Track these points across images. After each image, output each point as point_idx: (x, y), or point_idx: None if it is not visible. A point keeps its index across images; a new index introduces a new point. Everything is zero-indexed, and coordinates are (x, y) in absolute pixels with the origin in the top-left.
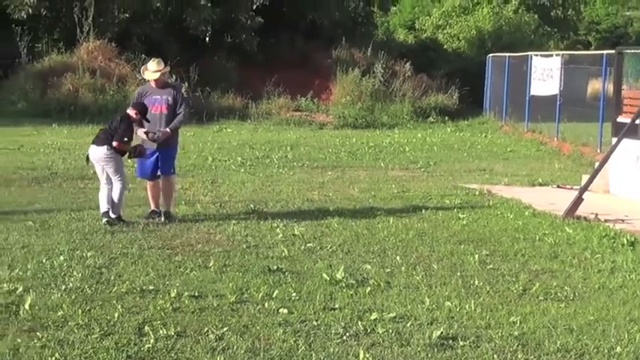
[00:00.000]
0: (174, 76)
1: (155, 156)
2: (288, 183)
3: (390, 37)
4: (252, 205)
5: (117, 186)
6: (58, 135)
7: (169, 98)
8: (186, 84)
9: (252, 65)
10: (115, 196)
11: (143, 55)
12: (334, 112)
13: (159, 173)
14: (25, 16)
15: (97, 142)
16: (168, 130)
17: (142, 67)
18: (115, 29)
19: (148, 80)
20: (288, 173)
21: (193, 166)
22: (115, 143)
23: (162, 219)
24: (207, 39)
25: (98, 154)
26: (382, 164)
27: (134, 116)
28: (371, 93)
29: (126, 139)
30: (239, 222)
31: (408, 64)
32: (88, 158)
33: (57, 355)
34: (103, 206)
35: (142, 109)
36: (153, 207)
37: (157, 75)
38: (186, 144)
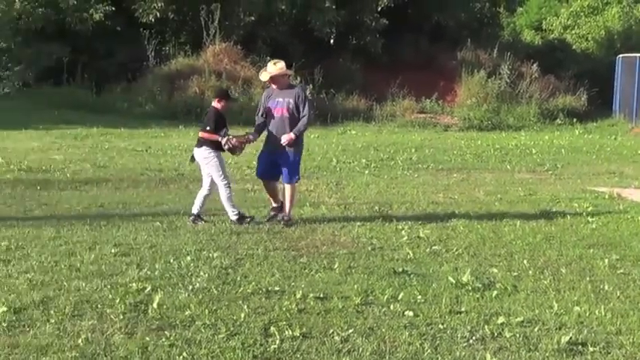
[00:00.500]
0: (298, 79)
1: (275, 160)
2: (412, 185)
3: (516, 37)
4: (376, 207)
5: (221, 189)
6: (184, 137)
7: (291, 101)
8: (311, 86)
9: (376, 67)
10: (223, 199)
11: (268, 58)
12: (459, 114)
13: (280, 177)
14: (152, 20)
15: (198, 143)
16: (292, 135)
17: (262, 69)
18: (240, 32)
19: (269, 84)
20: (412, 175)
21: (318, 167)
22: (200, 134)
23: (282, 223)
24: (331, 41)
25: (199, 155)
26: (508, 166)
27: (217, 104)
28: (497, 95)
29: (208, 127)
30: (364, 224)
31: (534, 65)
32: (193, 158)
33: (184, 354)
34: (196, 207)
35: (221, 94)
36: (274, 203)
37: (267, 76)
38: (310, 146)
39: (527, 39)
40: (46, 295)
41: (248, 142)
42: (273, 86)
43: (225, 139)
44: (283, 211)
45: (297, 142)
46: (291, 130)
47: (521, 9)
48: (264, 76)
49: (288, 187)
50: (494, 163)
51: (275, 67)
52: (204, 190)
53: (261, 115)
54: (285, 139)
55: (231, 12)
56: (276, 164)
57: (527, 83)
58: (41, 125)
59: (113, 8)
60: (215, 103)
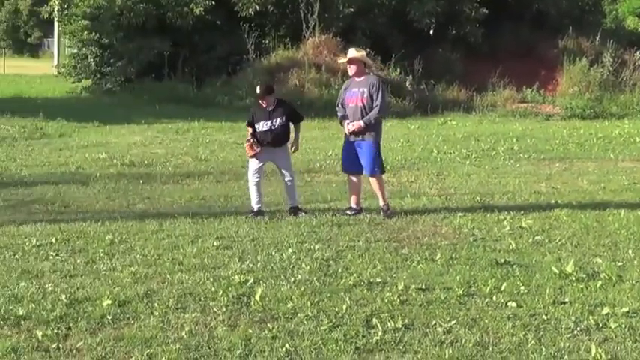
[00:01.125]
0: (398, 70)
1: (354, 152)
2: (514, 175)
3: (618, 25)
4: (478, 198)
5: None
6: None
7: (365, 90)
8: (410, 77)
9: (476, 57)
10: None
11: (367, 49)
12: (561, 103)
13: (363, 171)
14: (252, 13)
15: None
16: (361, 123)
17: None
18: (340, 24)
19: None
20: (514, 165)
21: (419, 158)
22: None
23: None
24: (431, 32)
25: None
26: (612, 155)
27: (259, 99)
28: (599, 83)
29: (246, 123)
30: (465, 215)
31: (638, 52)
32: None
33: (287, 345)
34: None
35: (262, 89)
36: (352, 204)
37: (346, 58)
38: (411, 137)
39: (629, 26)
40: (149, 288)
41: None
42: (351, 74)
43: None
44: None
45: (372, 132)
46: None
47: None
48: (343, 59)
49: (372, 180)
50: (597, 152)
51: (357, 52)
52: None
53: (341, 106)
54: (353, 126)
55: (330, 4)
56: (356, 156)
57: (630, 71)
58: (143, 120)
59: (213, 2)
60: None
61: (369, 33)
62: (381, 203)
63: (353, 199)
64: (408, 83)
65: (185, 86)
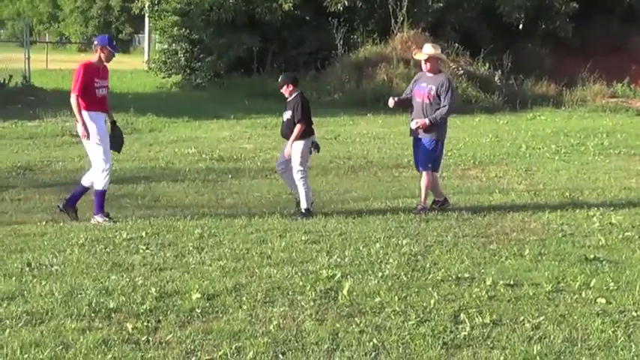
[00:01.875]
0: (487, 64)
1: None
2: (604, 171)
3: None
4: (567, 194)
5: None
6: (372, 124)
7: (433, 87)
8: (500, 71)
9: (566, 51)
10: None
11: (456, 44)
12: None
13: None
14: (341, 9)
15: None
16: (426, 121)
17: (416, 50)
18: (428, 19)
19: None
20: (604, 161)
21: (507, 154)
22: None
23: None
24: (520, 26)
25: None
26: None
27: (279, 88)
28: None
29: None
30: (554, 210)
31: None
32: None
33: (374, 340)
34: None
35: (280, 79)
36: (436, 197)
37: (424, 56)
38: (499, 132)
39: None
40: (238, 282)
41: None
42: (425, 70)
43: None
44: (448, 203)
45: (434, 130)
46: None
47: None
48: (420, 55)
49: (422, 174)
50: None
51: (434, 49)
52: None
53: (407, 93)
54: (418, 122)
55: None
56: (418, 152)
57: None
58: (232, 115)
59: None
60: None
61: (457, 28)
62: (421, 200)
63: (433, 192)
64: (496, 78)
65: (274, 81)
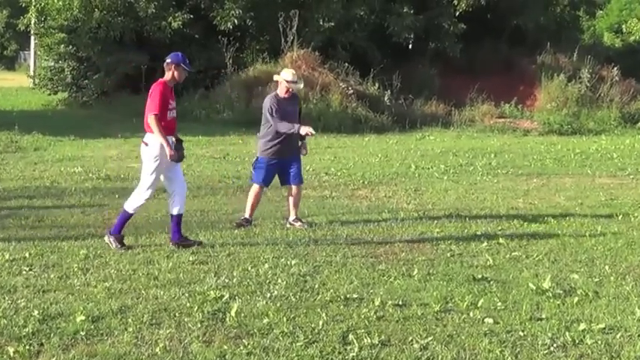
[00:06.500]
0: (377, 84)
1: None
2: (492, 191)
3: (596, 41)
4: (455, 213)
5: None
6: None
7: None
8: (389, 91)
9: (455, 72)
10: None
11: (346, 64)
12: (539, 119)
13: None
14: (231, 27)
15: None
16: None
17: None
18: (319, 38)
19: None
20: (492, 181)
21: (396, 174)
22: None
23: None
24: (410, 46)
25: None
26: (589, 171)
27: None
28: (577, 99)
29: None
30: (443, 230)
31: (615, 68)
32: None
33: None
34: None
35: None
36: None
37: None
38: (389, 152)
39: (607, 42)
40: (124, 304)
41: None
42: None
43: None
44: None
45: None
46: None
47: (601, 12)
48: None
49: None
50: (575, 168)
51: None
52: None
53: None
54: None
55: (309, 18)
56: None
57: (607, 87)
58: (119, 134)
59: (191, 16)
60: None
61: (348, 47)
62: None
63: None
64: (386, 98)
65: None
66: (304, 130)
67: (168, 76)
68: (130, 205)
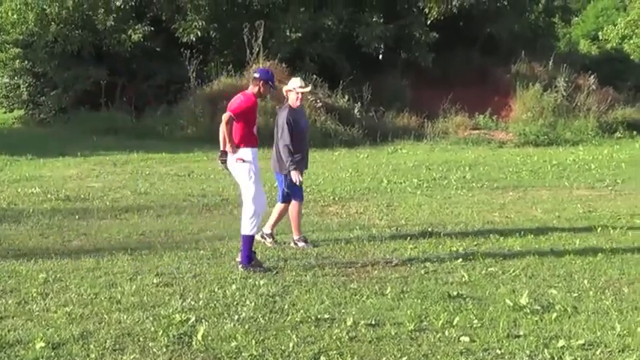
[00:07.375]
0: (346, 96)
1: None
2: (467, 205)
3: (572, 49)
4: (429, 229)
5: None
6: None
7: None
8: (359, 104)
9: (427, 82)
10: None
11: (315, 76)
12: (514, 130)
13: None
14: (193, 39)
15: None
16: None
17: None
18: (286, 49)
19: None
20: (467, 194)
21: (368, 189)
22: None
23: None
24: (380, 56)
25: None
26: (566, 183)
27: None
28: (553, 108)
29: None
30: (416, 246)
31: (592, 76)
32: None
33: None
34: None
35: None
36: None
37: (307, 89)
38: (360, 166)
39: (583, 50)
40: (85, 329)
41: None
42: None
43: None
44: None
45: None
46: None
47: (577, 19)
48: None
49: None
50: (552, 180)
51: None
52: None
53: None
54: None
55: (276, 29)
56: None
57: (584, 96)
58: (79, 152)
59: (152, 28)
60: None
61: (316, 58)
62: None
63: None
64: (356, 110)
65: (123, 116)
66: (294, 177)
67: (254, 90)
68: (245, 227)
